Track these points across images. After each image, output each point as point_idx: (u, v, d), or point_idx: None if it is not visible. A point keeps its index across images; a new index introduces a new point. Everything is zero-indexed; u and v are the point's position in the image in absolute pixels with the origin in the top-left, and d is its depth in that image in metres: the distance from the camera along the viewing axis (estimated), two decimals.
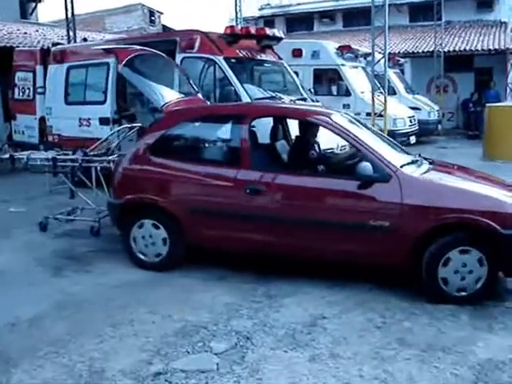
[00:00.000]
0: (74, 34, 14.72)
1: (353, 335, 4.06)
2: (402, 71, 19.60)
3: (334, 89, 14.07)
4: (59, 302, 4.76)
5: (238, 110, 6.12)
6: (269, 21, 29.18)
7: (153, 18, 30.45)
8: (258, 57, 9.64)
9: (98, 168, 6.75)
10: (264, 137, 6.02)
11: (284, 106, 6.62)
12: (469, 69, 22.05)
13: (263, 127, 5.98)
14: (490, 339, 4.00)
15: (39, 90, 11.83)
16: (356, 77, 13.86)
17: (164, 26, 28.36)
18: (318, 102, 9.97)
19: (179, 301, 4.72)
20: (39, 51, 12.37)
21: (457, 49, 21.42)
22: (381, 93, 13.11)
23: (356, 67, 14.22)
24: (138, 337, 4.09)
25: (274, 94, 9.13)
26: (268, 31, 9.56)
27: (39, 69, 11.96)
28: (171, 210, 5.33)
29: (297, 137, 6.09)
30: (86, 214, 7.22)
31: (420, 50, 22.00)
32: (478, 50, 20.88)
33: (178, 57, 8.94)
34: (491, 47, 20.58)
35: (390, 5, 13.00)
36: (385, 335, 4.06)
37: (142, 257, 5.54)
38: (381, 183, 4.66)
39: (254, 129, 5.51)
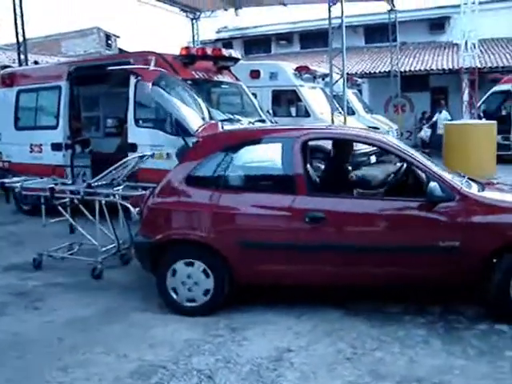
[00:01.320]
0: (26, 57, 14.24)
1: (322, 369, 3.82)
2: (360, 91, 19.74)
3: (292, 110, 13.94)
4: (0, 345, 4.35)
5: (288, 132, 5.47)
6: (226, 43, 29.16)
7: (109, 42, 30.14)
8: (215, 78, 9.40)
9: (103, 202, 6.11)
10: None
11: (332, 127, 6.16)
12: (425, 88, 22.47)
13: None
14: (466, 366, 3.82)
15: None
16: (315, 97, 13.76)
17: (120, 50, 28.03)
18: (276, 123, 9.80)
19: (136, 338, 4.39)
20: None
21: (412, 69, 21.78)
22: (340, 113, 13.07)
23: (314, 88, 14.15)
24: (91, 381, 3.75)
25: (232, 116, 8.90)
26: (224, 52, 9.34)
27: None
28: (217, 246, 4.76)
29: (331, 158, 5.80)
30: (84, 252, 6.52)
31: (377, 71, 22.27)
32: (433, 70, 21.29)
33: (133, 79, 8.61)
34: (445, 67, 21.01)
35: (346, 26, 13.03)
36: (356, 367, 3.83)
37: (189, 304, 4.89)
38: (446, 203, 4.50)
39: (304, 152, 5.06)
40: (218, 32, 31.04)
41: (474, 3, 16.94)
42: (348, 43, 12.83)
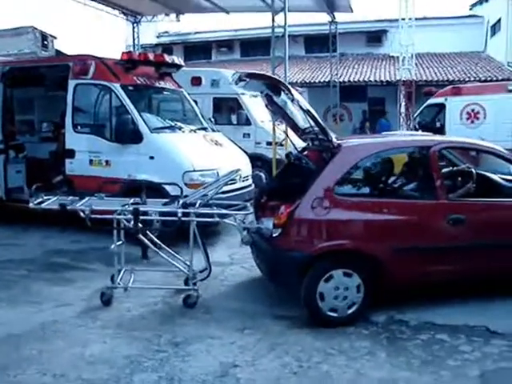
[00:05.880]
0: None
1: None
2: None
3: (233, 118, 13.90)
4: None
5: (426, 142, 5.67)
6: (167, 48, 28.90)
7: (45, 43, 29.20)
8: (157, 84, 9.21)
9: (194, 224, 5.26)
10: None
11: (457, 138, 6.36)
12: (363, 99, 22.99)
13: None
14: (410, 378, 3.85)
15: None
16: (256, 106, 13.79)
17: (57, 51, 27.18)
18: (219, 131, 9.71)
19: (74, 356, 4.16)
20: None
21: (351, 79, 22.26)
22: (280, 122, 13.12)
23: (255, 96, 14.14)
24: None
25: (173, 124, 8.76)
26: (167, 58, 9.18)
27: None
28: (371, 253, 4.84)
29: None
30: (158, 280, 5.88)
31: (317, 80, 22.63)
32: (371, 81, 21.83)
33: (71, 83, 8.31)
34: (383, 79, 21.60)
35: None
36: (303, 382, 3.79)
37: (333, 314, 4.81)
38: None
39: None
40: (159, 37, 30.75)
41: (411, 19, 17.50)
42: (288, 52, 12.91)
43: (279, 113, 6.04)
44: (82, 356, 4.16)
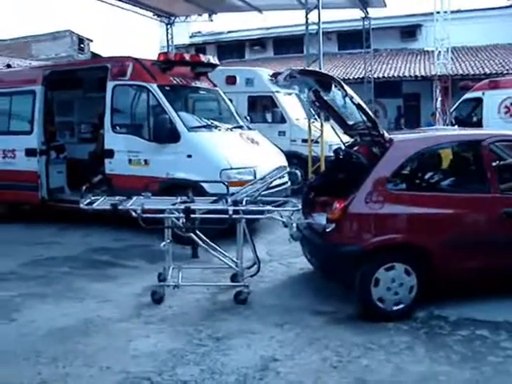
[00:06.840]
0: None
1: (309, 378, 3.79)
2: None
3: (268, 116, 13.95)
4: None
5: (473, 135, 5.82)
6: (200, 48, 29.08)
7: (82, 46, 29.81)
8: (193, 84, 9.34)
9: (244, 221, 5.40)
10: None
11: (507, 132, 6.29)
12: (397, 94, 22.74)
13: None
14: (451, 372, 3.84)
15: None
16: (290, 104, 13.83)
17: (93, 54, 27.72)
18: (254, 129, 9.77)
19: (118, 349, 4.29)
20: None
21: (386, 75, 22.04)
22: (315, 119, 13.12)
23: (290, 94, 14.18)
24: None
25: (209, 122, 8.86)
26: (202, 58, 9.30)
27: None
28: (425, 246, 4.87)
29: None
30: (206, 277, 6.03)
31: (350, 77, 22.44)
32: (405, 77, 21.57)
33: (110, 84, 8.50)
34: (418, 74, 21.32)
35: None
36: (343, 376, 3.81)
37: (380, 305, 4.85)
38: None
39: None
40: (192, 37, 30.96)
41: (446, 12, 17.22)
42: (322, 49, 12.86)
43: (326, 109, 6.05)
44: (126, 350, 4.28)
